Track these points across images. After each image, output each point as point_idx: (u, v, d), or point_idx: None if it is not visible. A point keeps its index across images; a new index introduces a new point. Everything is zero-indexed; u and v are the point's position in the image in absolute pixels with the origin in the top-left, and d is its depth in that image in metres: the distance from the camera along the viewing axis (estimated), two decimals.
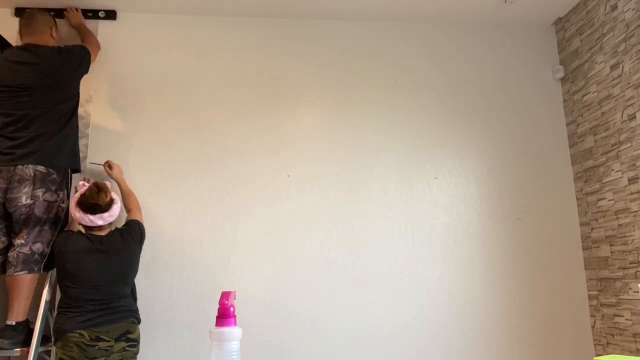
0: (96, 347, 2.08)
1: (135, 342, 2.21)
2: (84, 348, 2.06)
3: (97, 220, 2.22)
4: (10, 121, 2.26)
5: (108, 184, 2.33)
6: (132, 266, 2.31)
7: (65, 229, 2.35)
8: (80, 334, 2.07)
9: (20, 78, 2.30)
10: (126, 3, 2.78)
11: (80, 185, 2.28)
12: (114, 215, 2.28)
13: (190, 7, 2.84)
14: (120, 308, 2.20)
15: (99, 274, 2.17)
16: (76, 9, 2.75)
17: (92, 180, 2.35)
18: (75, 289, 2.13)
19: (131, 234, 2.32)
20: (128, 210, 2.48)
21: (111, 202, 2.26)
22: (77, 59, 2.47)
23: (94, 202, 2.20)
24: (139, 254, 2.36)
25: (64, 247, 2.18)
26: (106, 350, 2.10)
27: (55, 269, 2.31)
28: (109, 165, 2.56)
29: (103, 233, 2.27)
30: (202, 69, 2.85)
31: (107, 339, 2.11)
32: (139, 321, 2.26)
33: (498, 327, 2.71)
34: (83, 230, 2.30)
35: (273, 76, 2.88)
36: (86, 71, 2.52)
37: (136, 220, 2.39)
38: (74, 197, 2.26)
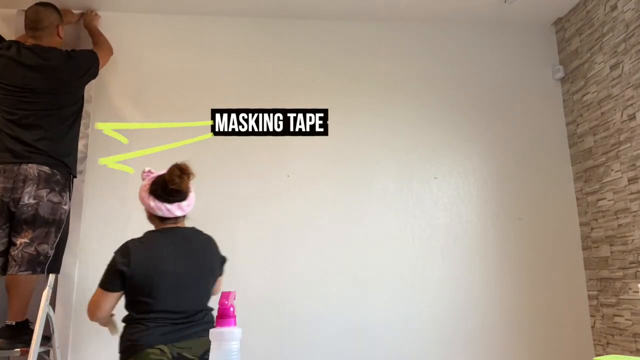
0: None
1: None
2: None
3: (176, 210, 1.86)
4: (14, 119, 2.26)
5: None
6: (209, 265, 1.95)
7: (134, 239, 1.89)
8: (162, 350, 1.71)
9: (26, 80, 2.29)
10: (128, 3, 2.79)
11: (146, 173, 1.95)
12: (192, 204, 1.93)
13: (191, 7, 2.84)
14: (204, 320, 1.85)
15: (181, 279, 1.82)
16: (96, 13, 2.77)
17: (160, 169, 1.93)
18: (154, 299, 1.77)
19: (213, 242, 1.99)
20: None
21: (189, 188, 1.91)
22: (85, 65, 2.46)
23: (176, 187, 1.83)
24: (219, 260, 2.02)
25: (138, 255, 1.80)
26: None
27: (57, 273, 2.30)
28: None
29: (182, 224, 1.93)
30: (202, 69, 2.85)
31: (189, 356, 1.75)
32: None
33: (498, 327, 2.71)
34: (153, 227, 1.94)
35: (273, 76, 2.88)
36: (94, 76, 2.52)
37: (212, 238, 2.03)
38: (144, 185, 1.89)
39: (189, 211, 1.94)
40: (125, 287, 1.79)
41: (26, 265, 2.15)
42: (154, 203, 1.85)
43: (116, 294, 1.80)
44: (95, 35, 2.72)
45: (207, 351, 1.69)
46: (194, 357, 1.75)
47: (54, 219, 2.23)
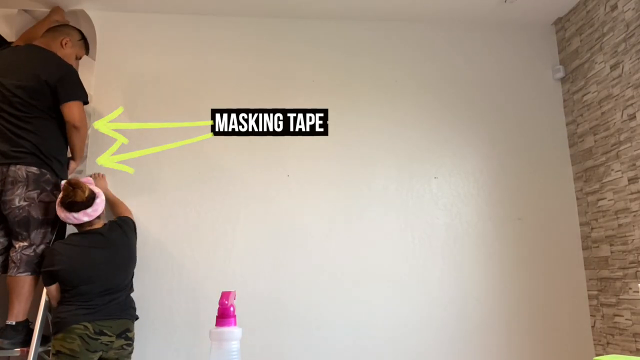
0: (98, 340, 2.08)
1: (131, 342, 2.22)
2: (87, 340, 2.05)
3: (82, 216, 2.19)
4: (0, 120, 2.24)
5: (87, 179, 2.31)
6: (132, 257, 2.35)
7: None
8: (85, 326, 2.06)
9: (13, 77, 2.27)
10: (128, 3, 2.78)
11: (62, 185, 2.24)
12: (98, 210, 2.24)
13: (190, 7, 2.84)
14: (124, 303, 2.22)
15: (106, 266, 2.19)
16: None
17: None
18: (81, 286, 2.13)
19: (128, 224, 2.37)
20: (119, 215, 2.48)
21: (92, 196, 2.21)
22: (73, 86, 2.39)
23: (71, 200, 2.16)
24: (135, 245, 2.40)
25: (64, 250, 2.17)
26: (106, 345, 2.10)
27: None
28: (93, 178, 2.51)
29: (99, 226, 2.26)
30: (201, 68, 2.85)
31: (109, 333, 2.11)
32: (136, 318, 2.28)
33: (498, 327, 2.71)
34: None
35: (273, 76, 2.88)
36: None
37: (126, 216, 2.42)
38: (58, 199, 2.21)
39: (97, 215, 2.23)
40: (56, 280, 2.16)
41: (25, 266, 2.15)
42: (63, 214, 2.18)
43: (53, 287, 2.17)
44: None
45: (125, 331, 2.17)
46: (112, 334, 2.12)
47: (48, 218, 2.23)
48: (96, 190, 2.26)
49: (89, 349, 2.05)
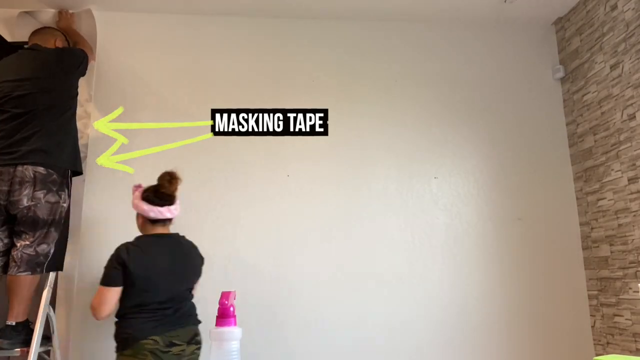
0: (169, 352, 1.96)
1: (201, 344, 2.13)
2: (159, 355, 1.93)
3: (166, 212, 2.11)
4: (4, 118, 2.25)
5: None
6: (197, 267, 2.25)
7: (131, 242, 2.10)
8: (155, 341, 1.94)
9: (16, 74, 2.29)
10: (128, 2, 2.78)
11: (136, 186, 2.18)
12: (178, 211, 2.18)
13: (190, 7, 2.84)
14: (188, 311, 2.13)
15: (176, 274, 2.09)
16: (67, 13, 2.75)
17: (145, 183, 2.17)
18: (149, 293, 2.00)
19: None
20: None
21: (176, 194, 2.17)
22: (75, 61, 2.47)
23: (165, 190, 2.10)
24: None
25: (135, 254, 2.02)
26: (179, 355, 1.99)
27: (60, 270, 2.31)
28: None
29: (166, 231, 2.17)
30: (201, 68, 2.85)
31: (179, 342, 2.00)
32: (199, 322, 2.19)
33: (498, 327, 2.71)
34: (147, 230, 2.16)
35: (273, 76, 2.88)
36: (84, 73, 2.52)
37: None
38: (136, 195, 2.14)
39: (175, 216, 2.18)
40: (124, 282, 1.99)
41: (25, 266, 2.15)
42: (147, 206, 2.09)
43: (118, 289, 1.99)
44: (74, 36, 2.71)
45: (194, 336, 2.07)
46: (182, 343, 2.00)
47: (52, 218, 2.23)
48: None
49: None
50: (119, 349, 1.97)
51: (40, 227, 2.19)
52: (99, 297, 1.98)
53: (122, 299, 2.00)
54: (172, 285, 2.06)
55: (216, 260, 2.63)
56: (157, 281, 2.02)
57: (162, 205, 2.10)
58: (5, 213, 2.20)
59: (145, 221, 2.16)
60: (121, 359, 1.95)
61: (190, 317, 2.12)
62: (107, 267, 2.01)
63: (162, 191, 2.10)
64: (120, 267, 1.98)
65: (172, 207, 2.14)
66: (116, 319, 2.03)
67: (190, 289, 2.20)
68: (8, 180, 2.17)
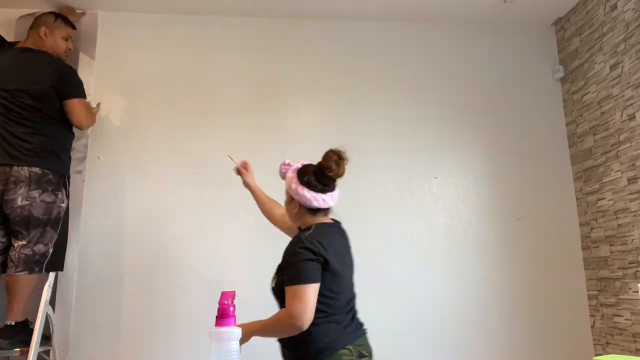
0: None
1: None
2: None
3: (330, 200, 1.71)
4: (3, 120, 2.24)
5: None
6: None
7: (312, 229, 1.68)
8: (350, 351, 1.59)
9: (11, 81, 2.28)
10: (127, 2, 2.78)
11: (286, 165, 1.80)
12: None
13: (190, 7, 2.84)
14: (358, 317, 1.75)
15: (352, 273, 1.75)
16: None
17: (298, 161, 1.77)
18: (342, 294, 1.67)
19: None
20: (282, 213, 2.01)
21: None
22: (71, 89, 2.39)
23: (333, 175, 1.67)
24: None
25: (328, 245, 1.63)
26: None
27: (61, 270, 2.30)
28: (244, 166, 2.16)
29: (329, 221, 1.77)
30: (202, 68, 2.85)
31: (365, 353, 1.64)
32: None
33: (498, 327, 2.71)
34: (300, 223, 1.80)
35: (273, 76, 2.88)
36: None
37: None
38: (291, 177, 1.72)
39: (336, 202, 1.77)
40: (319, 279, 1.59)
41: (23, 265, 2.15)
42: (309, 194, 1.67)
43: (318, 286, 1.59)
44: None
45: (370, 346, 1.69)
46: (368, 354, 1.65)
47: (48, 218, 2.23)
48: None
49: None
50: (313, 358, 1.60)
51: (35, 226, 2.19)
52: (299, 301, 1.55)
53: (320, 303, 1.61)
54: (353, 283, 1.74)
55: (216, 260, 2.63)
56: (348, 277, 1.71)
57: (325, 192, 1.69)
58: (1, 212, 2.20)
59: (302, 209, 1.73)
60: None
61: (363, 324, 1.74)
62: (299, 261, 1.58)
63: (329, 174, 1.67)
64: (320, 260, 1.58)
65: (334, 194, 1.73)
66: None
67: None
68: (3, 180, 2.18)
